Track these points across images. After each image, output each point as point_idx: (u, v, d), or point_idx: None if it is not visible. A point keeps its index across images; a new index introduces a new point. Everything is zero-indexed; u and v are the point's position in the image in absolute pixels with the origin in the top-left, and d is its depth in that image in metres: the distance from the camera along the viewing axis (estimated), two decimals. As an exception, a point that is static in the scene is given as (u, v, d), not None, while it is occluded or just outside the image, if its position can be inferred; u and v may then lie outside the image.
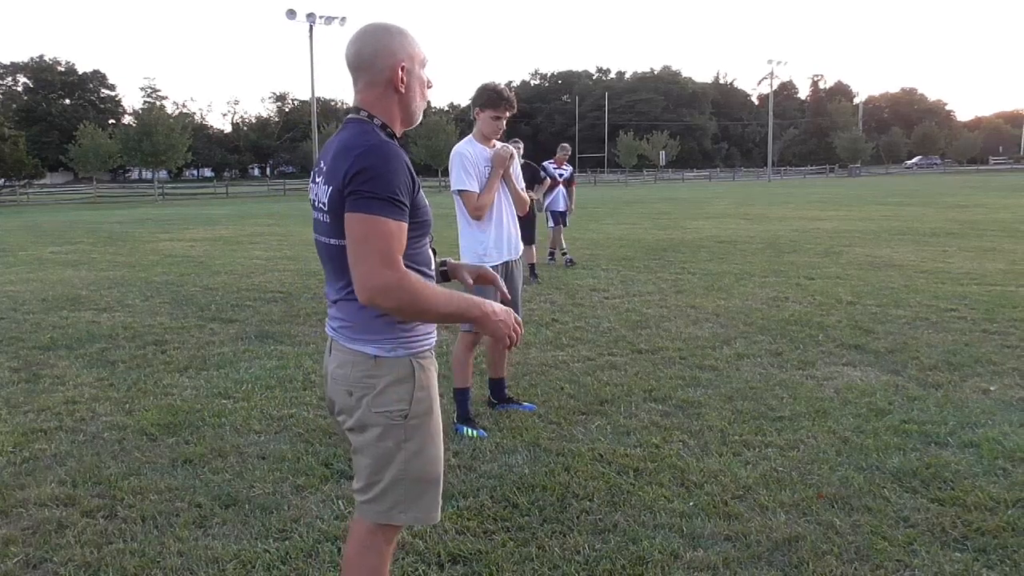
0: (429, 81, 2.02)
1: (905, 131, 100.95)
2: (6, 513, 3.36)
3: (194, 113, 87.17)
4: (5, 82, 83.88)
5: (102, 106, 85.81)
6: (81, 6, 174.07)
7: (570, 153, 12.10)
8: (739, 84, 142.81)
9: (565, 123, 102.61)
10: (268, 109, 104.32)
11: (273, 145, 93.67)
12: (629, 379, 5.24)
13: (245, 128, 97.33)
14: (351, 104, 2.00)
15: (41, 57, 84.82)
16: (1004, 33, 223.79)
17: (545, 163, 11.72)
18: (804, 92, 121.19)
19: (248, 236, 17.67)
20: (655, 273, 10.35)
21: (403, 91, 1.94)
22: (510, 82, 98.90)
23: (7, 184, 52.85)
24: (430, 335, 2.03)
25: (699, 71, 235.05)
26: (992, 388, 4.90)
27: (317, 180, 1.95)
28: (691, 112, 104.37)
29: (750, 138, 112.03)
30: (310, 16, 44.52)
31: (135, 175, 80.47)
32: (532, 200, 9.19)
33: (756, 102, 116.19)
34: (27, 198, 44.13)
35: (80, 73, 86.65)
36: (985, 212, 20.67)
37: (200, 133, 78.80)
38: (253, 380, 5.36)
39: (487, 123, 4.30)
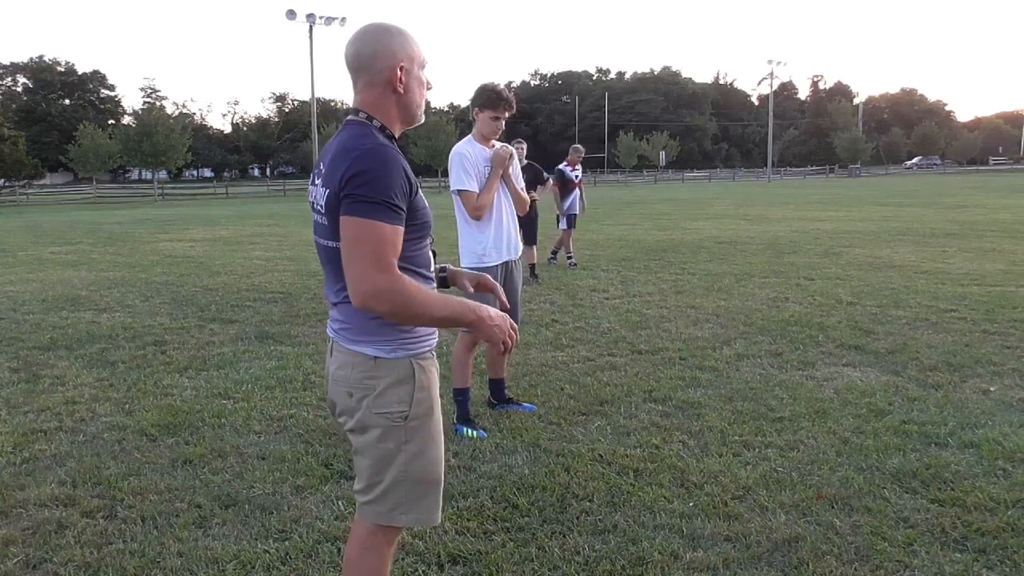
0: (428, 82, 2.02)
1: (905, 131, 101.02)
2: (6, 513, 3.36)
3: (194, 113, 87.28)
4: (5, 82, 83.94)
5: (102, 106, 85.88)
6: (81, 6, 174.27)
7: (583, 154, 12.03)
8: (739, 84, 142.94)
9: (565, 123, 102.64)
10: (268, 109, 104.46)
11: (273, 145, 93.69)
12: (629, 380, 5.24)
13: (245, 128, 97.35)
14: (351, 105, 1.99)
15: (41, 57, 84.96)
16: (1004, 33, 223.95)
17: (562, 167, 11.61)
18: (804, 92, 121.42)
19: (248, 236, 17.67)
20: (655, 274, 10.35)
21: (402, 92, 1.94)
22: (510, 82, 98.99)
23: (7, 184, 52.88)
24: (431, 336, 2.03)
25: (699, 71, 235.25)
26: (992, 389, 4.90)
27: (316, 182, 1.95)
28: (691, 112, 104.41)
29: (750, 138, 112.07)
30: (310, 16, 44.53)
31: (135, 175, 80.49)
32: (533, 200, 9.21)
33: (756, 102, 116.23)
34: (27, 198, 44.15)
35: (80, 73, 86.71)
36: (985, 213, 20.67)
37: (200, 133, 78.84)
38: (253, 380, 5.35)
39: (486, 123, 4.29)
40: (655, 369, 5.50)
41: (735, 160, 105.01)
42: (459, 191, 4.29)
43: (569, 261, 11.34)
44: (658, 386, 5.07)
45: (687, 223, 19.37)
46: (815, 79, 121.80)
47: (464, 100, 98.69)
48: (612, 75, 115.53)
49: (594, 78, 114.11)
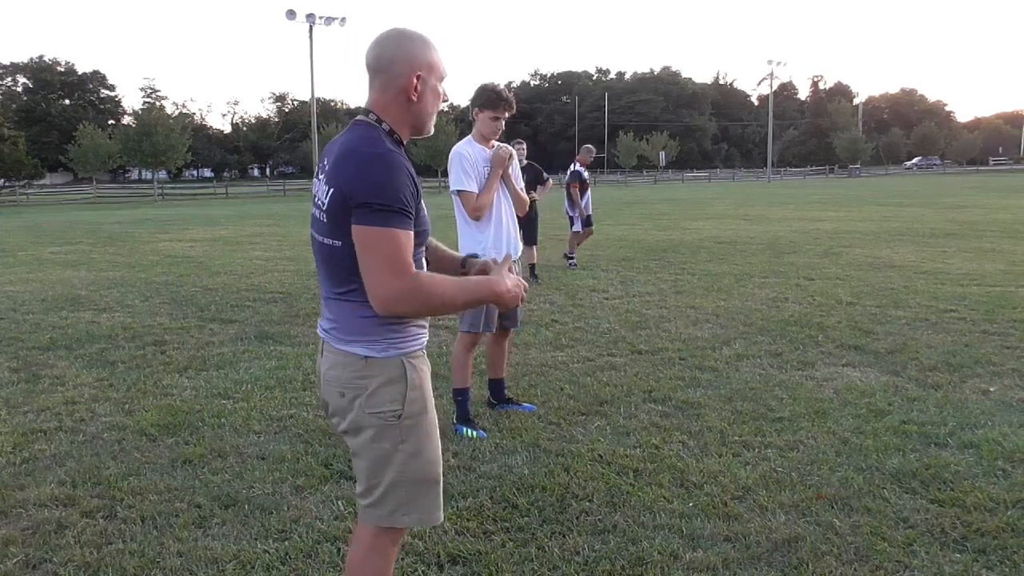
0: (445, 94, 2.02)
1: (905, 132, 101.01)
2: (6, 513, 3.36)
3: (194, 113, 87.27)
4: (5, 82, 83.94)
5: (102, 106, 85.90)
6: (81, 6, 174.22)
7: (595, 155, 12.05)
8: (739, 85, 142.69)
9: (565, 124, 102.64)
10: (268, 109, 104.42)
11: (273, 145, 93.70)
12: (629, 380, 5.24)
13: (245, 128, 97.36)
14: (364, 104, 1.99)
15: (41, 57, 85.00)
16: (1004, 33, 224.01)
17: (578, 168, 11.64)
18: (804, 93, 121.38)
19: (248, 236, 17.67)
20: (655, 274, 10.35)
21: (415, 100, 1.94)
22: (510, 82, 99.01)
23: (7, 184, 52.89)
24: (421, 335, 2.02)
25: (699, 72, 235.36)
26: (992, 389, 4.90)
27: (320, 177, 1.96)
28: (691, 113, 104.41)
29: (750, 139, 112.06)
30: (310, 16, 44.50)
31: (135, 175, 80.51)
32: (532, 200, 9.20)
33: (756, 103, 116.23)
34: (27, 198, 44.15)
35: (80, 73, 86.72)
36: (984, 213, 20.67)
37: (200, 133, 78.84)
38: (253, 380, 5.35)
39: (486, 124, 4.29)
40: (655, 369, 5.50)
41: (735, 160, 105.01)
42: (459, 191, 4.29)
43: (569, 261, 11.35)
44: (658, 386, 5.07)
45: (687, 223, 19.37)
46: (815, 79, 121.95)
47: (464, 100, 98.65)
48: (612, 75, 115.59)
49: (594, 78, 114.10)
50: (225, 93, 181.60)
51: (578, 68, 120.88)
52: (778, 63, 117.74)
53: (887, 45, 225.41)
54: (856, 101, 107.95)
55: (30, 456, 4.01)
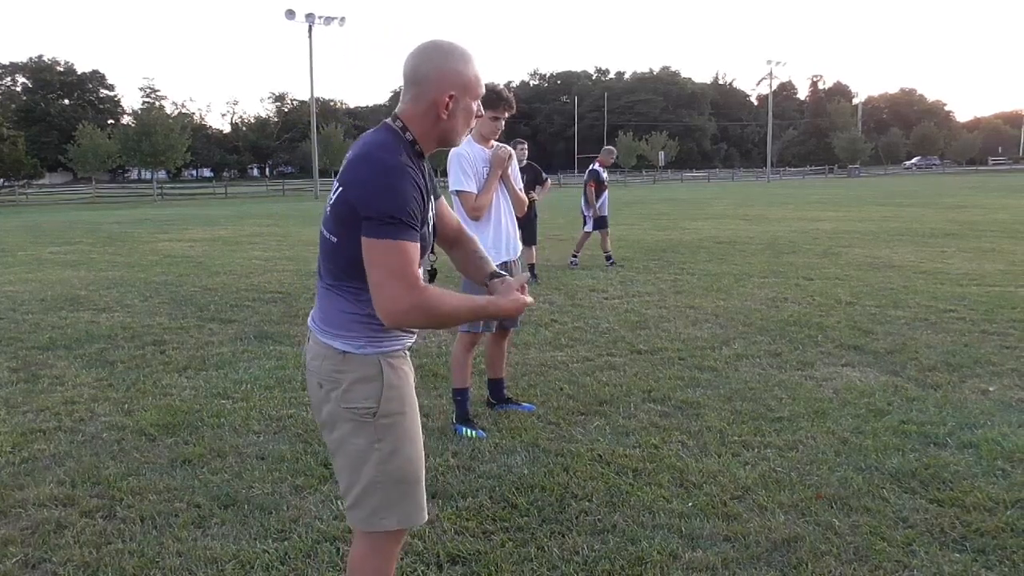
0: (479, 110, 2.01)
1: (904, 132, 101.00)
2: (5, 513, 3.36)
3: (193, 113, 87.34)
4: (4, 82, 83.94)
5: (101, 106, 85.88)
6: (80, 6, 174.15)
7: (615, 156, 12.05)
8: (738, 84, 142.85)
9: (564, 123, 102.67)
10: (267, 109, 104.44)
11: (272, 145, 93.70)
12: (628, 380, 5.24)
13: (244, 128, 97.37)
14: (397, 107, 1.98)
15: (40, 57, 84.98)
16: (1004, 33, 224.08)
17: (596, 168, 11.66)
18: (803, 92, 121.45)
19: (247, 236, 17.66)
20: (654, 274, 10.35)
21: (445, 117, 1.93)
22: (509, 82, 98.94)
23: (6, 184, 52.91)
24: (403, 336, 2.02)
25: (698, 71, 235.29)
26: (991, 389, 4.90)
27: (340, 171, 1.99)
28: (690, 113, 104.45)
29: (749, 139, 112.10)
30: (309, 16, 44.51)
31: (134, 175, 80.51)
32: (532, 201, 9.20)
33: (755, 102, 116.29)
34: (26, 198, 44.12)
35: (79, 73, 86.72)
36: (984, 213, 20.68)
37: (199, 133, 78.82)
38: (252, 380, 5.35)
39: (485, 124, 4.29)
40: (654, 369, 5.50)
41: (734, 160, 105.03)
42: (457, 192, 4.29)
43: (572, 260, 11.34)
44: (657, 386, 5.08)
45: (686, 223, 19.37)
46: (814, 79, 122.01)
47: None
48: (611, 75, 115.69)
49: (593, 78, 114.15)
50: (224, 93, 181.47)
51: (577, 68, 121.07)
52: (777, 63, 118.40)
53: (887, 45, 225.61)
54: (855, 101, 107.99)
55: (29, 456, 4.01)
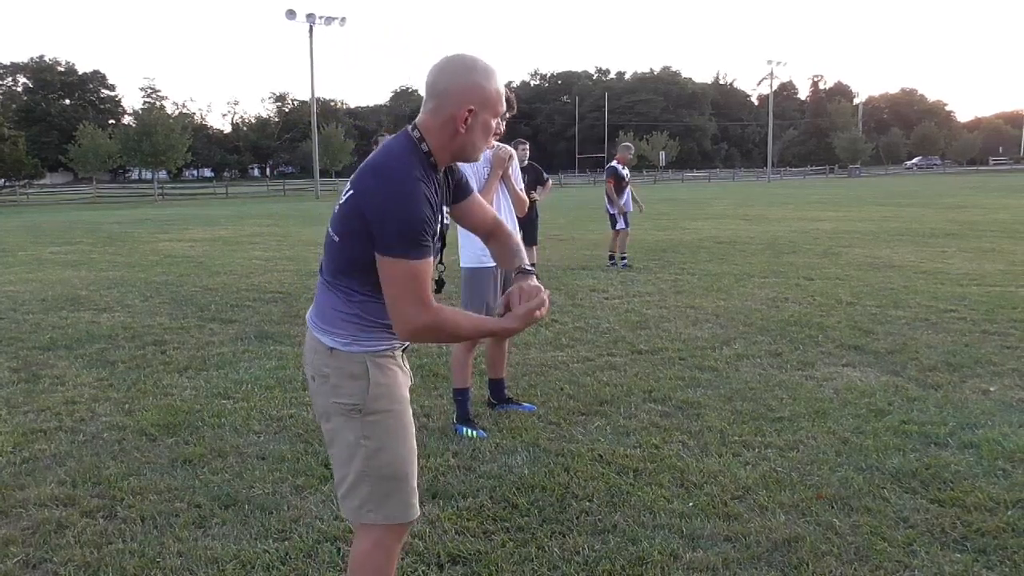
0: (498, 127, 2.03)
1: (905, 132, 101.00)
2: (6, 513, 3.36)
3: (194, 113, 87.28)
4: (5, 82, 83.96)
5: (102, 106, 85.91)
6: (81, 6, 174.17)
7: (633, 152, 12.06)
8: (739, 84, 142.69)
9: (565, 124, 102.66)
10: (268, 109, 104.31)
11: (273, 145, 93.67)
12: (629, 380, 5.24)
13: (245, 128, 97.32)
14: (418, 115, 1.99)
15: (41, 57, 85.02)
16: (1004, 33, 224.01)
17: (614, 164, 11.66)
18: (804, 92, 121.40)
19: (248, 236, 17.67)
20: (655, 274, 10.35)
21: (463, 131, 1.93)
22: (510, 82, 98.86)
23: (7, 184, 52.91)
24: (393, 338, 2.02)
25: (699, 71, 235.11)
26: (992, 389, 4.90)
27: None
28: (691, 113, 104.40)
29: (750, 139, 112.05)
30: (310, 16, 44.51)
31: (135, 175, 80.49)
32: (533, 201, 9.19)
33: (756, 102, 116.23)
34: (27, 198, 44.17)
35: (80, 73, 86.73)
36: (984, 213, 20.67)
37: (200, 133, 78.86)
38: (252, 380, 5.36)
39: (486, 124, 4.28)
40: (655, 369, 5.50)
41: (735, 160, 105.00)
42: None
43: (623, 261, 11.27)
44: (658, 386, 5.07)
45: (686, 223, 19.37)
46: (815, 79, 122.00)
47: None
48: (612, 75, 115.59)
49: (594, 78, 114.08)
50: (225, 93, 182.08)
51: (578, 68, 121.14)
52: (778, 63, 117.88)
53: (887, 45, 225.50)
54: (856, 101, 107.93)
55: (30, 456, 4.01)
